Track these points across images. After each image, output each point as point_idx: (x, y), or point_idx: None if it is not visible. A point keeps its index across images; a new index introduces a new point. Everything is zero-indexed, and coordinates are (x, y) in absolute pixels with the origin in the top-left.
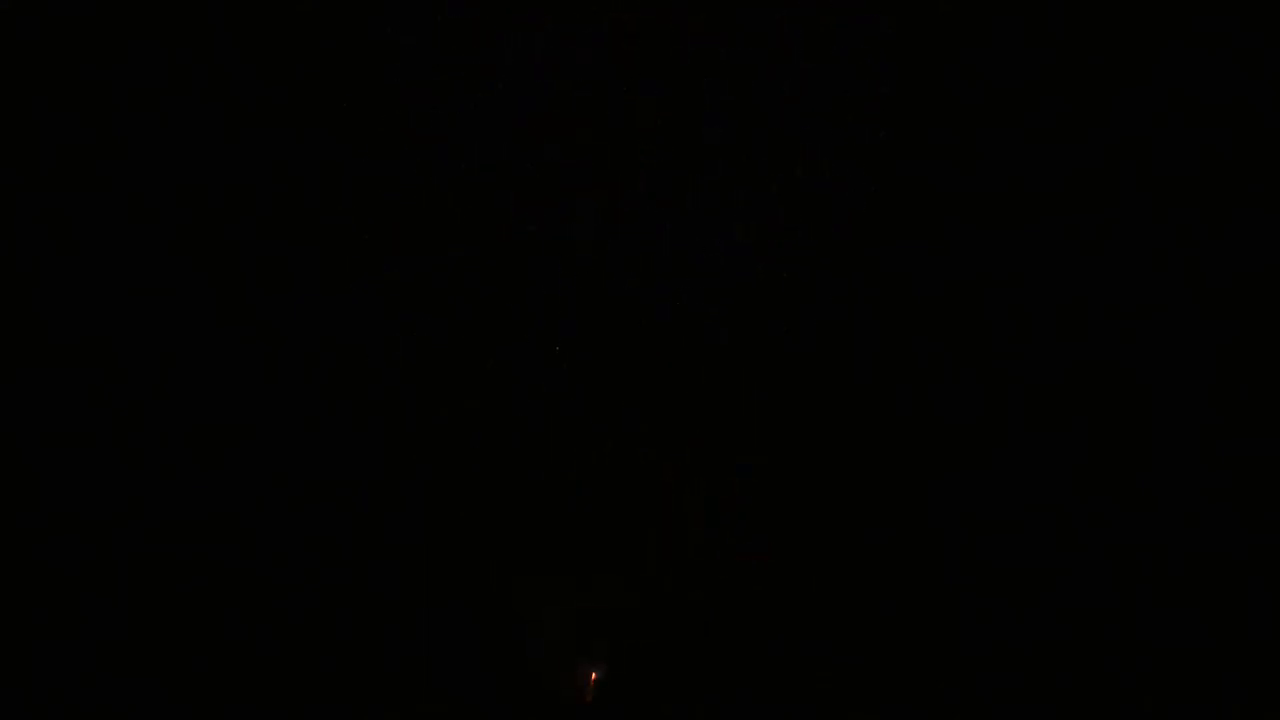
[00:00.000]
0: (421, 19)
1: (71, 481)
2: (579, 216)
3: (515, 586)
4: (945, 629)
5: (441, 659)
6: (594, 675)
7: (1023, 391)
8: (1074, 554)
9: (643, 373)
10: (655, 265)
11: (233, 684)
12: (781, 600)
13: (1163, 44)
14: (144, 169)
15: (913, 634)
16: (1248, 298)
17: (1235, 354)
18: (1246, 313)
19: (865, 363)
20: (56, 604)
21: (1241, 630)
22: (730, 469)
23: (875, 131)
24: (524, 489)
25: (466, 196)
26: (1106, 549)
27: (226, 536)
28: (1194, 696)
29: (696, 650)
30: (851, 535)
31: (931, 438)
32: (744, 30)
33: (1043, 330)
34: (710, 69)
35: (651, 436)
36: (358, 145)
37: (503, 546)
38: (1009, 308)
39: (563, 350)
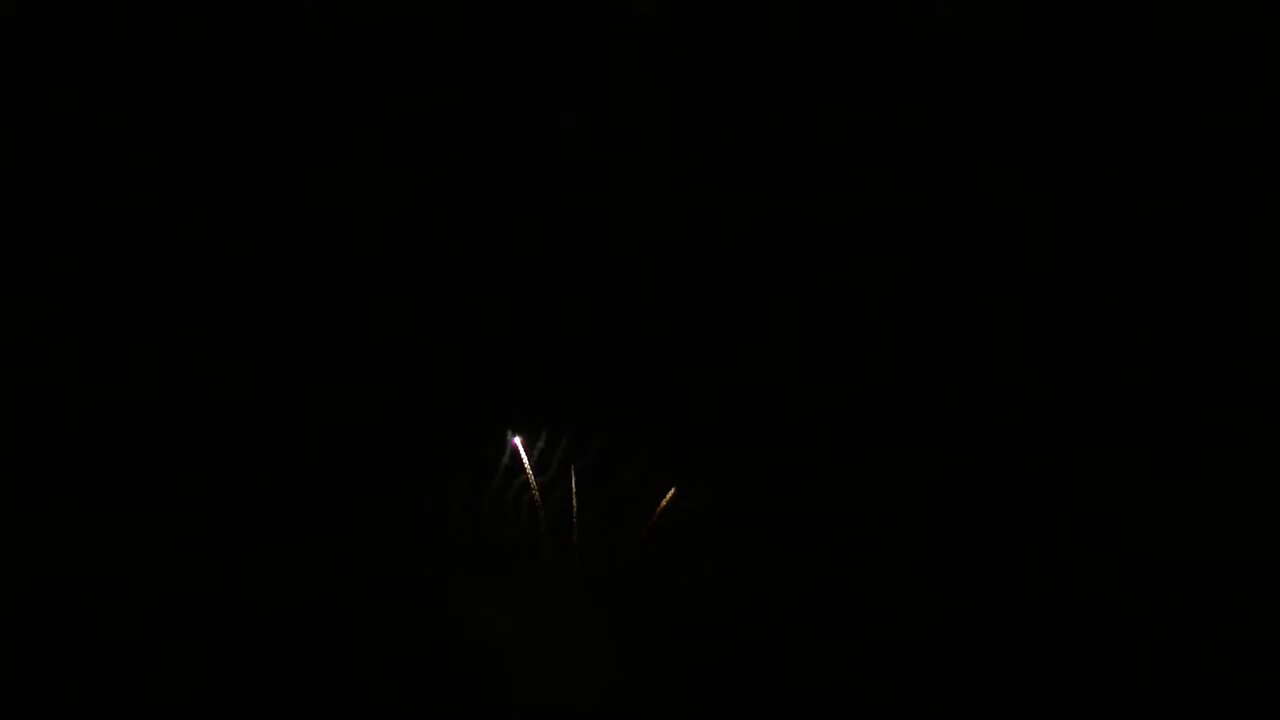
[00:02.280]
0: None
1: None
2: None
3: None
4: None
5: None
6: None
7: (1020, 391)
8: (1073, 554)
9: (639, 378)
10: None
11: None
12: (780, 602)
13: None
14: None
15: (909, 632)
16: (1247, 300)
17: (1235, 355)
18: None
19: (863, 361)
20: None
21: (1239, 631)
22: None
23: (872, 132)
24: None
25: (461, 206)
26: (1106, 550)
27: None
28: (1194, 695)
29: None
30: (851, 535)
31: (931, 438)
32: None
33: (1038, 330)
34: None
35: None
36: (351, 151)
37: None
38: (1007, 307)
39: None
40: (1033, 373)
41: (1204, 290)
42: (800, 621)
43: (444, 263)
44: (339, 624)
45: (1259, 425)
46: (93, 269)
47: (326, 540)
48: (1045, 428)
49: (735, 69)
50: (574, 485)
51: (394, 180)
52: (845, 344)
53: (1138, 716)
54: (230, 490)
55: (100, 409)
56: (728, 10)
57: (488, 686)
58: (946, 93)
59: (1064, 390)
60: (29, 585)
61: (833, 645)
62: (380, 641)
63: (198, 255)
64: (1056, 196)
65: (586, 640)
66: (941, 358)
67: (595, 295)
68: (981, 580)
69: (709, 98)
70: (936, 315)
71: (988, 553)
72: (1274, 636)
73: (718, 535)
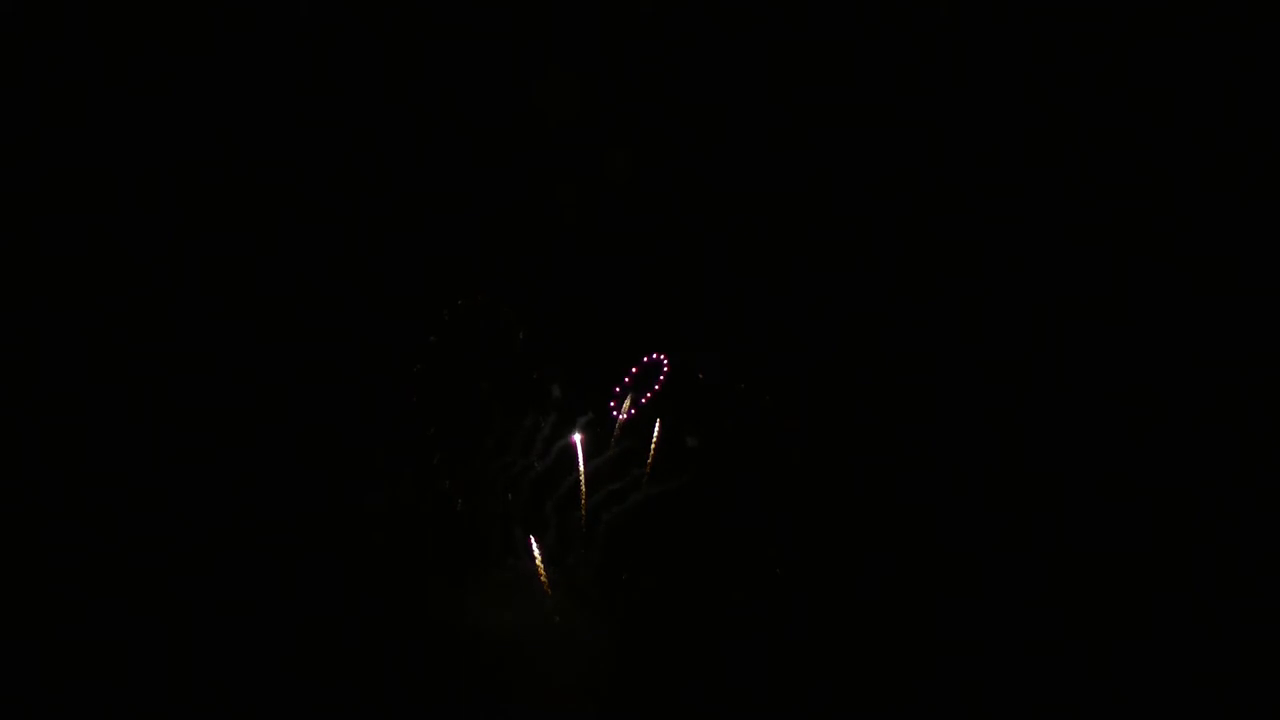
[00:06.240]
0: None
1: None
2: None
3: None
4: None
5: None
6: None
7: (1020, 391)
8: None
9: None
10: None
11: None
12: (779, 604)
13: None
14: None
15: (904, 631)
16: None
17: (1236, 357)
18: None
19: (863, 361)
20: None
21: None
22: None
23: (873, 132)
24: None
25: (461, 206)
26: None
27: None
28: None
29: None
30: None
31: (931, 438)
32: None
33: (1039, 330)
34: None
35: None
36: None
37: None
38: (1007, 305)
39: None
40: (1033, 373)
41: (1204, 290)
42: (799, 622)
43: (444, 263)
44: (339, 624)
45: (1259, 425)
46: (93, 269)
47: (327, 540)
48: (1045, 428)
49: (735, 69)
50: (579, 485)
51: (394, 180)
52: (845, 344)
53: (1138, 716)
54: (230, 490)
55: (99, 410)
56: (728, 10)
57: (487, 686)
58: (946, 93)
59: (1064, 394)
60: (29, 585)
61: (833, 645)
62: (380, 641)
63: (198, 255)
64: (1057, 196)
65: (585, 639)
66: (941, 358)
67: (595, 295)
68: (982, 580)
69: (708, 98)
70: (936, 315)
71: (988, 553)
72: (1274, 637)
73: (716, 535)
